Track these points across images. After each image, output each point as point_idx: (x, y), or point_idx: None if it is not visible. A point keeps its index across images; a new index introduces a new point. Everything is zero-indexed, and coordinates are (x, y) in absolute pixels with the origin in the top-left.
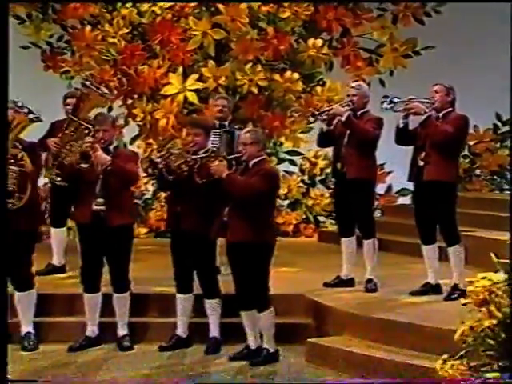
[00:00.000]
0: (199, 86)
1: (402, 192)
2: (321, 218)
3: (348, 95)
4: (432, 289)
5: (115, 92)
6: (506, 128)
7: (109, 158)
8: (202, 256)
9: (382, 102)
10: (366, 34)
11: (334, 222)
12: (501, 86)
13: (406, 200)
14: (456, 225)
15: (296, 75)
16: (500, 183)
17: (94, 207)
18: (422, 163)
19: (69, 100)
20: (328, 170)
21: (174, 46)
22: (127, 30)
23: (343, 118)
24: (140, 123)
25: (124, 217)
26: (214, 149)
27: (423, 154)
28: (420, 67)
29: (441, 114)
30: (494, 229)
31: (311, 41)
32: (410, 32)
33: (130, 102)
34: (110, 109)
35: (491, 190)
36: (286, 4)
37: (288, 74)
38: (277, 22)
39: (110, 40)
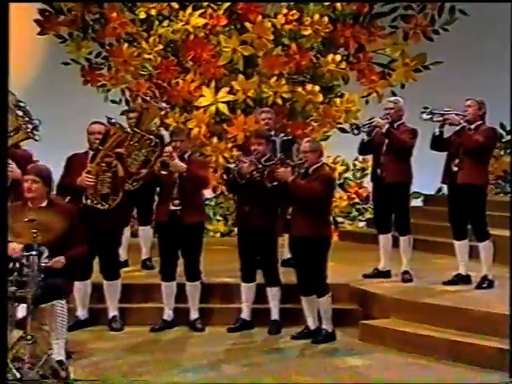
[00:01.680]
0: (230, 98)
1: (414, 195)
2: (339, 219)
3: (386, 109)
4: (462, 279)
5: None
6: (510, 137)
7: (184, 165)
8: (266, 250)
9: (422, 113)
10: (379, 49)
11: (351, 222)
12: (502, 98)
13: (417, 202)
14: (486, 223)
15: (317, 88)
16: (504, 187)
17: (172, 207)
18: (455, 168)
19: (131, 114)
20: (346, 175)
21: (206, 61)
22: (162, 47)
23: (383, 130)
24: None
25: (197, 215)
26: (281, 157)
27: (457, 161)
28: (429, 80)
29: (473, 126)
30: (499, 227)
31: (330, 56)
32: (419, 48)
33: (162, 112)
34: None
35: (496, 193)
36: (307, 22)
37: (309, 86)
38: (298, 38)
39: (146, 56)
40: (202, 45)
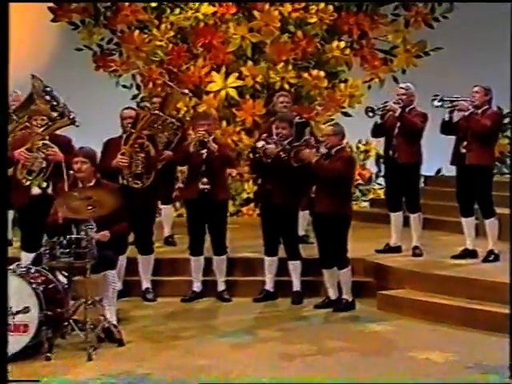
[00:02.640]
0: (239, 83)
1: None
2: None
3: (398, 94)
4: (469, 254)
5: (159, 89)
6: (507, 120)
7: (216, 145)
8: (288, 225)
9: (433, 100)
10: (381, 36)
11: (355, 202)
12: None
13: None
14: (492, 201)
15: (322, 73)
16: (500, 168)
17: (201, 186)
18: (464, 150)
19: (155, 99)
20: None
21: (216, 48)
22: (173, 34)
23: (397, 114)
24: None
25: (224, 193)
26: (307, 139)
27: (465, 143)
28: (429, 66)
29: (479, 111)
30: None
31: (335, 43)
32: (420, 35)
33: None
34: (153, 103)
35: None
36: (313, 10)
37: (315, 72)
38: (303, 26)
39: (158, 43)
40: (211, 32)
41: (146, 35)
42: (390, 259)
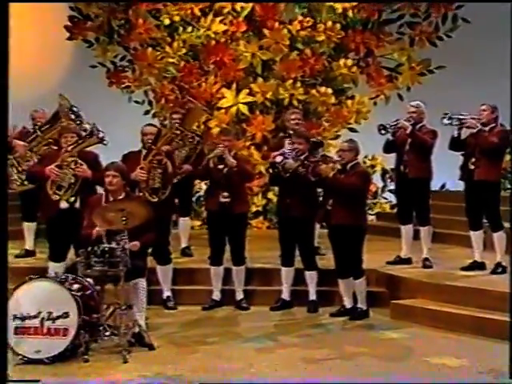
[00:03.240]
0: (250, 99)
1: None
2: None
3: (408, 112)
4: (478, 266)
5: (171, 104)
6: None
7: (235, 161)
8: (305, 237)
9: (442, 118)
10: (387, 54)
11: None
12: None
13: None
14: (500, 215)
15: (330, 90)
16: (503, 183)
17: (221, 199)
18: (472, 167)
19: (174, 115)
20: None
21: (227, 65)
22: (185, 51)
23: (408, 131)
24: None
25: (243, 206)
26: (323, 155)
27: (473, 159)
28: (433, 83)
29: (487, 128)
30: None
31: (342, 61)
32: (424, 53)
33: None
34: (165, 119)
35: None
36: (320, 29)
37: (323, 89)
38: (311, 44)
39: (170, 60)
40: (223, 50)
41: (158, 52)
42: (401, 270)
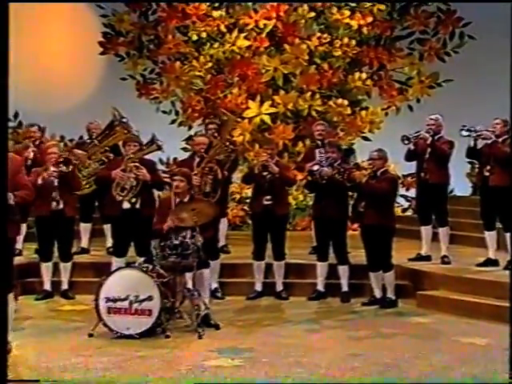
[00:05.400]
0: (273, 110)
1: None
2: None
3: (428, 124)
4: (491, 262)
5: (196, 114)
6: None
7: (277, 168)
8: (339, 235)
9: (461, 130)
10: (398, 68)
11: None
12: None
13: None
14: None
15: (345, 101)
16: None
17: (265, 202)
18: (487, 173)
19: (210, 126)
20: None
21: (250, 78)
22: (211, 65)
23: (428, 141)
24: None
25: (285, 208)
26: (357, 162)
27: (488, 167)
28: (441, 95)
29: (500, 139)
30: None
31: (357, 74)
32: (433, 68)
33: (207, 121)
34: (190, 127)
35: None
36: (337, 45)
37: (339, 100)
38: (327, 58)
39: (197, 73)
40: (247, 64)
41: (185, 66)
42: (423, 266)
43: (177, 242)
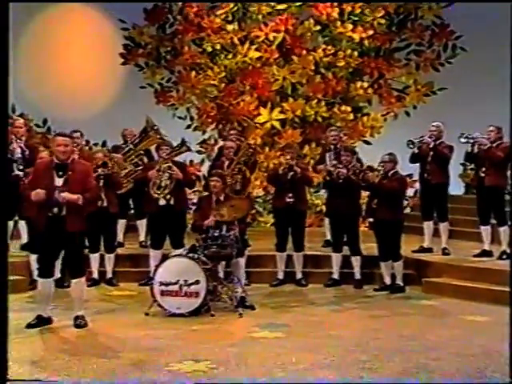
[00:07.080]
0: (282, 116)
1: None
2: None
3: (430, 130)
4: (486, 253)
5: (209, 120)
6: None
7: (299, 169)
8: (352, 229)
9: (460, 137)
10: (396, 77)
11: None
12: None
13: None
14: (505, 213)
15: (348, 108)
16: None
17: (286, 199)
18: (483, 175)
19: (232, 131)
20: None
21: (261, 86)
22: (224, 74)
23: (430, 146)
24: None
25: (304, 205)
26: (369, 164)
27: (484, 169)
28: (436, 103)
29: (494, 145)
30: None
31: (359, 83)
32: (428, 77)
33: (220, 127)
34: (204, 132)
35: None
36: (341, 55)
37: (343, 107)
38: (331, 68)
39: (211, 82)
40: (258, 73)
41: (200, 75)
42: (426, 256)
43: (216, 235)
